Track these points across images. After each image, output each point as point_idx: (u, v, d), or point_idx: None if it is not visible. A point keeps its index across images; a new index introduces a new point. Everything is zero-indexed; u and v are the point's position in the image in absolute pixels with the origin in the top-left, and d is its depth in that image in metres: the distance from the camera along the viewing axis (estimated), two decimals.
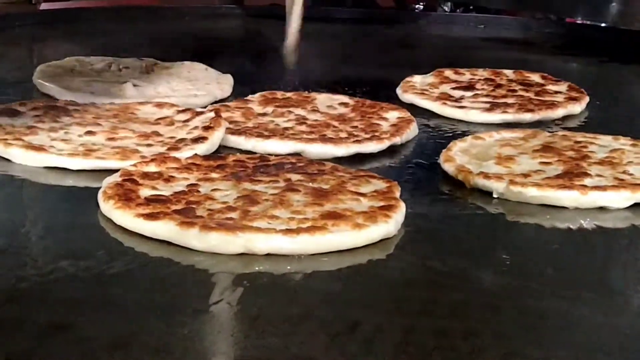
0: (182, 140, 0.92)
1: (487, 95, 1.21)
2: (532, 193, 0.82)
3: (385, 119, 1.06)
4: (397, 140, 0.99)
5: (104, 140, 0.92)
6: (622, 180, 0.85)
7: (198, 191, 0.78)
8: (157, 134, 0.95)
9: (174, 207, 0.73)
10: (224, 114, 1.02)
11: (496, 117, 1.11)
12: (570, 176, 0.85)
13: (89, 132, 0.93)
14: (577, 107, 1.17)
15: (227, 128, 0.97)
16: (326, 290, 0.64)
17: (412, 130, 1.03)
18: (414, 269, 0.68)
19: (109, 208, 0.74)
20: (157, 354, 0.54)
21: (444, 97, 1.18)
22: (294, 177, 0.82)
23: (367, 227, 0.71)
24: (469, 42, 1.71)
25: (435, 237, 0.75)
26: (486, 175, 0.85)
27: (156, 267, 0.67)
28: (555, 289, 0.65)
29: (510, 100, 1.18)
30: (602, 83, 1.43)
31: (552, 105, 1.16)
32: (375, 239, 0.71)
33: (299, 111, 1.08)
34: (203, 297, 0.62)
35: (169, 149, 0.89)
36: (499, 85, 1.25)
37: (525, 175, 0.86)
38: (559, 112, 1.14)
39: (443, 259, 0.70)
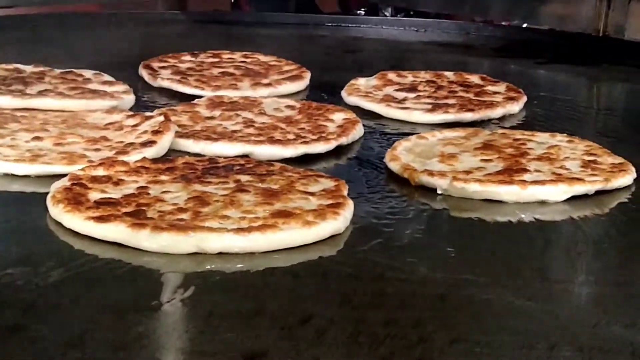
0: (130, 144, 0.92)
1: (429, 97, 1.23)
2: (474, 188, 0.85)
3: (331, 120, 1.08)
4: (344, 140, 1.01)
5: (51, 146, 0.91)
6: (559, 174, 0.88)
7: (148, 193, 0.78)
8: (106, 138, 0.95)
9: (124, 210, 0.74)
10: (173, 118, 1.02)
11: (438, 117, 1.14)
12: (510, 172, 0.88)
13: (36, 138, 0.93)
14: (516, 107, 1.21)
15: (175, 132, 0.97)
16: (278, 286, 0.66)
17: (357, 131, 1.05)
18: (363, 263, 0.70)
19: (58, 212, 0.75)
20: (112, 352, 0.54)
21: (388, 99, 1.20)
22: (244, 178, 0.83)
23: (317, 224, 0.73)
24: (410, 45, 1.74)
25: (383, 233, 0.77)
26: (430, 173, 0.87)
27: (107, 268, 0.68)
28: (497, 280, 0.67)
29: (451, 101, 1.21)
30: (539, 83, 1.47)
31: (491, 105, 1.19)
32: (325, 235, 0.73)
33: (246, 114, 1.09)
34: (156, 296, 0.62)
35: (117, 153, 0.89)
36: (440, 87, 1.28)
37: (468, 172, 0.88)
38: (498, 112, 1.18)
39: (390, 254, 0.72)
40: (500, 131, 1.06)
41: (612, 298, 0.66)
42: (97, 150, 0.91)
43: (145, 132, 0.96)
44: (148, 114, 1.04)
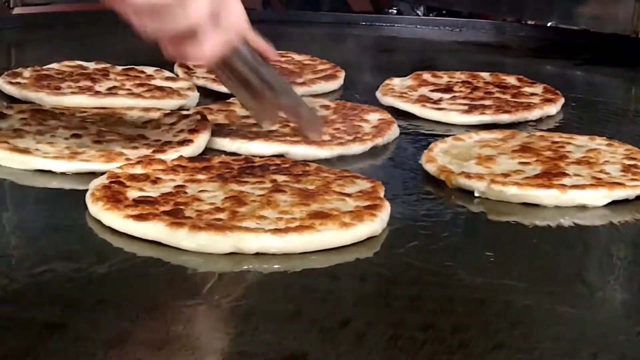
0: (168, 142, 0.93)
1: (464, 98, 1.22)
2: (513, 192, 0.83)
3: (366, 120, 1.08)
4: (379, 141, 1.00)
5: (90, 143, 0.92)
6: (599, 179, 0.87)
7: (185, 192, 0.79)
8: (143, 137, 0.95)
9: (162, 208, 0.74)
10: (209, 117, 1.03)
11: (474, 118, 1.13)
12: (549, 176, 0.87)
13: (75, 135, 0.94)
14: (553, 109, 1.19)
15: (211, 130, 0.98)
16: (316, 288, 0.66)
17: (393, 132, 1.05)
18: (399, 266, 0.70)
19: (97, 209, 0.75)
20: (153, 351, 0.55)
21: (423, 100, 1.20)
22: (280, 178, 0.83)
23: (354, 226, 0.72)
24: (445, 45, 1.73)
25: (419, 236, 0.76)
26: (468, 175, 0.86)
27: (146, 266, 0.68)
28: (537, 285, 0.67)
29: (487, 102, 1.20)
30: (576, 85, 1.46)
31: (528, 106, 1.18)
32: (362, 237, 0.73)
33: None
34: (194, 295, 0.62)
35: (154, 152, 0.90)
36: (476, 88, 1.27)
37: (506, 175, 0.87)
38: (536, 113, 1.16)
39: (428, 257, 0.71)
40: (538, 133, 1.04)
41: None
42: (135, 148, 0.91)
43: (182, 130, 0.97)
44: (185, 112, 1.04)
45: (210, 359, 0.56)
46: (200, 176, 0.83)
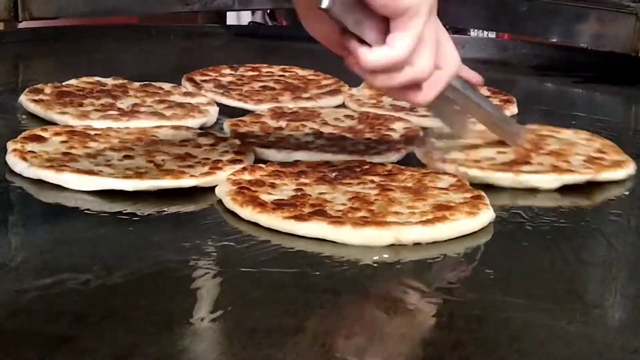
0: (219, 161, 0.95)
1: None
2: (474, 174, 0.92)
3: (393, 129, 1.12)
4: (410, 149, 1.04)
5: (145, 163, 0.94)
6: (556, 167, 0.95)
7: (309, 195, 0.84)
8: (191, 155, 0.97)
9: (307, 210, 0.80)
10: (243, 128, 1.08)
11: None
12: (513, 164, 0.96)
13: (127, 156, 0.95)
14: (514, 108, 1.27)
15: (253, 141, 1.03)
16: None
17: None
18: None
19: (250, 213, 0.80)
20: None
21: (399, 109, 1.23)
22: (376, 178, 0.89)
23: (478, 214, 0.80)
24: None
25: None
26: (443, 160, 0.95)
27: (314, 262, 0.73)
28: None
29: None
30: (577, 102, 1.47)
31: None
32: (485, 223, 0.81)
33: (311, 124, 1.13)
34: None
35: (211, 169, 0.92)
36: None
37: (477, 161, 0.96)
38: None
39: None
40: (529, 126, 1.11)
41: None
42: (191, 167, 0.93)
43: (227, 151, 0.99)
44: (220, 134, 1.06)
45: None
46: (304, 180, 0.89)
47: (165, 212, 0.84)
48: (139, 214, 0.83)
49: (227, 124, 1.11)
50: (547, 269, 0.75)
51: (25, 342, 0.58)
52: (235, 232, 0.79)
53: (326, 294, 0.68)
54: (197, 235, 0.78)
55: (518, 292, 0.69)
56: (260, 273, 0.70)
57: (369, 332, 0.61)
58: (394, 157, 1.01)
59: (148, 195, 0.87)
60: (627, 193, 0.96)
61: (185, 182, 0.89)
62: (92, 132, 1.03)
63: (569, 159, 0.99)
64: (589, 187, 0.94)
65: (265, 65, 1.51)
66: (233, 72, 1.46)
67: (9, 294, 0.65)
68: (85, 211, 0.83)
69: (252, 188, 0.86)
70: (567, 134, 1.08)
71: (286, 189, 0.87)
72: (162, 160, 0.95)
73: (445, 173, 0.92)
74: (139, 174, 0.89)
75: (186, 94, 1.26)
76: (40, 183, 0.89)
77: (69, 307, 0.63)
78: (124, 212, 0.83)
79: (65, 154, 0.95)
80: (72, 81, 1.27)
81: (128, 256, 0.73)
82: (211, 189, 0.89)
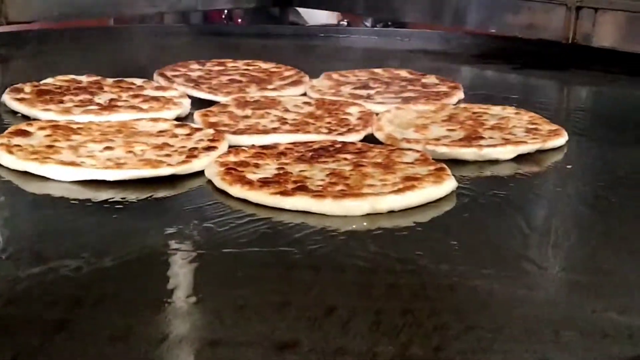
0: (194, 149, 0.92)
1: (387, 92, 1.26)
2: (442, 150, 0.94)
3: (349, 114, 1.11)
4: (369, 130, 1.04)
5: (125, 153, 0.90)
6: (507, 139, 0.99)
7: (291, 172, 0.85)
8: (168, 145, 0.94)
9: (290, 186, 0.80)
10: (213, 118, 1.05)
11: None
12: (470, 139, 0.99)
13: (108, 148, 0.92)
14: (461, 93, 1.28)
15: (225, 130, 1.00)
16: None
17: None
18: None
19: (239, 191, 0.80)
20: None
21: (356, 97, 1.21)
22: (348, 156, 0.90)
23: (442, 182, 0.82)
24: (397, 53, 1.72)
25: None
26: (408, 140, 0.97)
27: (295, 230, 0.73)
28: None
29: (411, 94, 1.25)
30: (514, 87, 1.47)
31: (446, 94, 1.25)
32: (448, 191, 0.82)
33: (275, 112, 1.11)
34: None
35: (187, 157, 0.89)
36: (387, 83, 1.32)
37: (437, 139, 0.99)
38: (454, 99, 1.24)
39: None
40: (463, 105, 1.18)
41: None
42: (168, 155, 0.90)
43: (202, 140, 0.95)
44: (195, 125, 1.03)
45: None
46: (284, 160, 0.89)
47: (148, 199, 0.81)
48: (123, 201, 0.80)
49: (197, 115, 1.08)
50: (505, 237, 0.74)
51: (25, 329, 0.55)
52: (215, 214, 0.77)
53: (307, 270, 0.65)
54: (180, 219, 0.75)
55: (482, 261, 0.68)
56: (243, 253, 0.68)
57: (349, 305, 0.59)
58: (354, 138, 1.00)
59: (130, 183, 0.83)
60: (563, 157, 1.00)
61: (163, 170, 0.86)
62: (75, 126, 0.99)
63: (512, 131, 1.03)
64: (536, 154, 0.98)
65: (230, 60, 1.48)
66: (201, 67, 1.42)
67: (4, 282, 0.62)
68: (72, 201, 0.80)
69: (239, 168, 0.85)
70: (496, 110, 1.13)
71: (269, 168, 0.86)
72: (141, 150, 0.92)
73: (409, 149, 0.93)
74: (119, 164, 0.86)
75: (158, 87, 1.22)
76: (26, 175, 0.85)
77: (63, 293, 0.60)
78: (109, 200, 0.80)
79: (49, 146, 0.91)
80: (49, 80, 1.24)
81: (116, 242, 0.70)
82: (189, 176, 0.86)
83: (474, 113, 1.12)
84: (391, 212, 0.77)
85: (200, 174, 0.87)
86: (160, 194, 0.83)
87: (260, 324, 0.56)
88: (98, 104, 1.11)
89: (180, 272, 0.65)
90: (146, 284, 0.63)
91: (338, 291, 0.62)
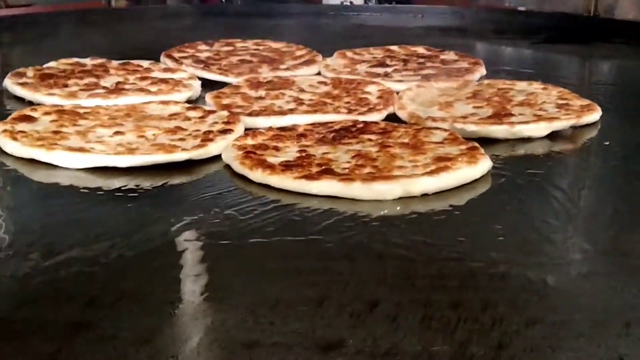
0: (209, 132, 0.86)
1: (406, 70, 1.21)
2: (472, 129, 0.88)
3: (368, 92, 1.05)
4: (391, 109, 0.99)
5: (136, 138, 0.84)
6: (539, 115, 0.93)
7: (314, 155, 0.79)
8: (182, 128, 0.88)
9: (314, 169, 0.74)
10: (225, 100, 0.99)
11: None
12: (499, 116, 0.93)
13: (118, 132, 0.86)
14: (483, 69, 1.22)
15: (240, 112, 0.94)
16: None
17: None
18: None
19: (261, 176, 0.74)
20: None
21: (373, 75, 1.16)
22: (373, 136, 0.85)
23: (477, 162, 0.76)
24: (411, 30, 1.66)
25: None
26: (434, 119, 0.91)
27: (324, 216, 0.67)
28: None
29: (430, 71, 1.19)
30: (535, 62, 1.41)
31: (468, 70, 1.19)
32: (484, 172, 0.76)
33: (290, 92, 1.05)
34: None
35: (203, 141, 0.83)
36: (404, 61, 1.27)
37: (464, 117, 0.92)
38: (476, 76, 1.19)
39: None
40: (487, 81, 1.12)
41: None
42: (182, 140, 0.84)
43: (216, 122, 0.90)
44: (208, 108, 0.97)
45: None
46: (305, 142, 0.84)
47: (163, 186, 0.75)
48: (136, 189, 0.74)
49: (209, 97, 1.03)
50: (550, 220, 0.68)
51: (38, 333, 0.49)
52: (236, 201, 0.71)
53: (342, 261, 0.60)
54: (199, 207, 0.70)
55: (530, 247, 0.62)
56: (272, 243, 0.62)
57: (393, 298, 0.53)
58: (376, 117, 0.95)
59: (143, 170, 0.78)
60: (597, 134, 0.94)
61: (179, 155, 0.80)
62: (82, 111, 0.93)
63: (542, 107, 0.98)
64: (569, 131, 0.92)
65: (239, 40, 1.42)
66: (209, 48, 1.36)
67: (13, 281, 0.56)
68: (82, 190, 0.74)
69: (258, 152, 0.79)
70: (522, 85, 1.08)
71: (290, 151, 0.81)
72: (153, 134, 0.86)
73: (436, 128, 0.87)
74: (131, 150, 0.80)
75: (166, 69, 1.16)
76: (32, 163, 0.79)
77: (78, 291, 0.54)
78: (122, 188, 0.74)
79: (55, 132, 0.85)
80: (52, 63, 1.18)
81: (131, 234, 0.64)
82: (205, 161, 0.81)
83: (500, 89, 1.07)
84: (424, 195, 0.72)
85: (216, 158, 0.82)
86: (176, 180, 0.77)
87: (298, 322, 0.50)
88: (104, 88, 1.06)
89: (205, 265, 0.59)
90: (168, 279, 0.57)
91: (378, 283, 0.56)
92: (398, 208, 0.69)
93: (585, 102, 1.00)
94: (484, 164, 0.77)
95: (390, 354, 0.47)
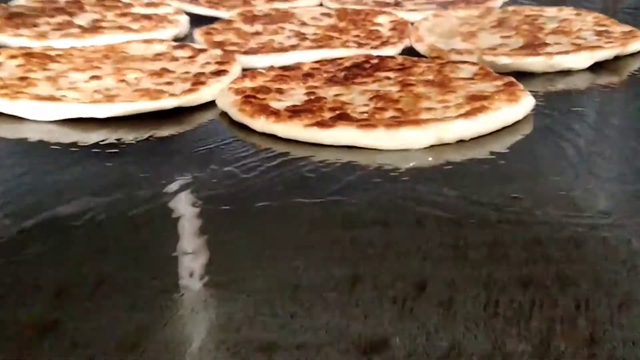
0: (201, 74, 0.75)
1: None
2: (504, 61, 0.78)
3: (379, 24, 0.95)
4: (407, 42, 0.88)
5: (116, 83, 0.73)
6: (578, 45, 0.82)
7: (324, 98, 0.67)
8: (168, 70, 0.77)
9: (327, 114, 0.63)
10: (217, 37, 0.89)
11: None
12: (533, 46, 0.83)
13: (95, 77, 0.74)
14: None
15: (235, 50, 0.84)
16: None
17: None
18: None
19: (264, 124, 0.62)
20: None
21: (382, 5, 1.06)
22: (391, 74, 0.74)
23: (519, 100, 0.65)
24: None
25: None
26: (458, 52, 0.81)
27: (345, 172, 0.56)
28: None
29: None
30: None
31: None
32: (527, 111, 0.66)
33: (290, 26, 0.94)
34: None
35: (194, 84, 0.72)
36: None
37: (493, 49, 0.82)
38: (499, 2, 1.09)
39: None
40: (511, 8, 1.02)
41: None
42: (169, 83, 0.73)
43: (209, 63, 0.78)
44: (198, 46, 0.85)
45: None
46: (312, 82, 0.72)
47: (149, 139, 0.64)
48: (117, 144, 0.63)
49: (198, 33, 0.92)
50: (614, 169, 0.57)
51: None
52: (237, 156, 0.59)
53: (373, 227, 0.48)
54: (192, 164, 0.58)
55: (599, 203, 0.51)
56: (284, 208, 0.51)
57: (444, 275, 0.42)
58: (390, 51, 0.84)
59: (124, 120, 0.67)
60: None
61: (166, 102, 0.68)
62: (53, 53, 0.82)
63: (579, 35, 0.88)
64: (611, 62, 0.82)
65: None
66: None
67: None
68: (53, 145, 0.63)
69: (259, 96, 0.68)
70: (552, 11, 0.99)
71: (296, 94, 0.70)
72: (135, 78, 0.74)
73: (463, 62, 0.77)
74: (109, 97, 0.68)
75: (149, 4, 1.05)
76: None
77: (46, 278, 0.43)
78: (100, 143, 0.63)
79: (22, 78, 0.74)
80: (21, 1, 1.07)
81: (112, 199, 0.52)
82: (197, 108, 0.69)
83: (527, 16, 0.97)
84: (459, 142, 0.61)
85: (210, 105, 0.71)
86: (164, 132, 0.66)
87: (327, 314, 0.39)
88: (79, 26, 0.95)
89: (203, 239, 0.47)
90: (158, 260, 0.45)
91: (422, 256, 0.45)
92: (430, 159, 0.58)
93: (627, 28, 0.89)
94: (526, 102, 0.66)
95: (450, 357, 0.35)
